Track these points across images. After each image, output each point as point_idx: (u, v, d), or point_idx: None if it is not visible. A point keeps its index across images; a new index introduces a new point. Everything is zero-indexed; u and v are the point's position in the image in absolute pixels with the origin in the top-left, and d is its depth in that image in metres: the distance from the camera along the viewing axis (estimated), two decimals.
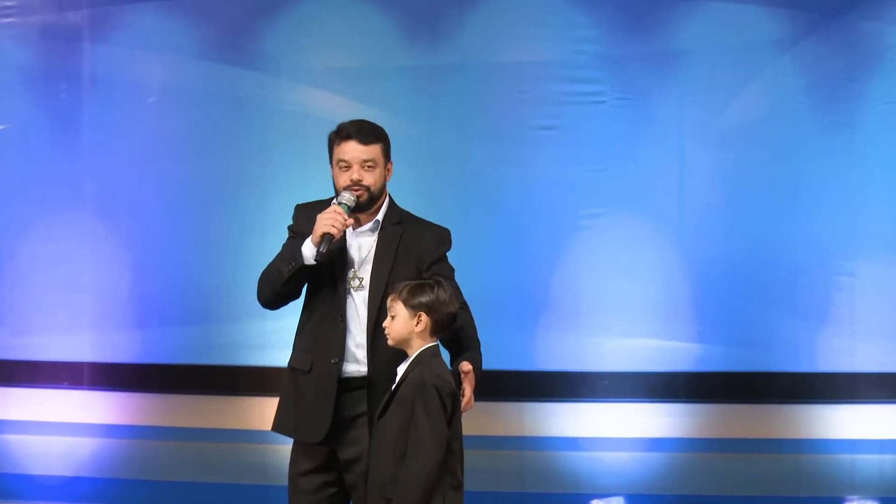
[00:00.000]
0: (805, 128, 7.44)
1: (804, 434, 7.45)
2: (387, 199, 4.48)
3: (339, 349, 4.32)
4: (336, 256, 4.36)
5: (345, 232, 4.37)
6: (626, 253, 7.53)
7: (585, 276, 7.55)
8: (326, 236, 4.23)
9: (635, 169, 7.52)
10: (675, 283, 7.51)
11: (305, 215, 4.46)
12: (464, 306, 4.38)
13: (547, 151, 7.58)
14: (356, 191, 4.33)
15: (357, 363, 4.35)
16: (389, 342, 4.17)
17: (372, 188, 4.34)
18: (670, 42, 7.49)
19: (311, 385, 4.34)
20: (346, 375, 4.34)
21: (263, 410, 7.18)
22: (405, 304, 4.11)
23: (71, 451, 7.79)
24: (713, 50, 7.47)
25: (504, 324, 7.42)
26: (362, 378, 4.33)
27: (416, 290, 4.13)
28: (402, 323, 4.12)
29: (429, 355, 4.10)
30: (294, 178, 7.43)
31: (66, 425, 7.90)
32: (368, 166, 4.32)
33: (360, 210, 4.37)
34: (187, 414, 7.82)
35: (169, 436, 7.80)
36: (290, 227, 4.56)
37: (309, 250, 4.28)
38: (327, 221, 4.23)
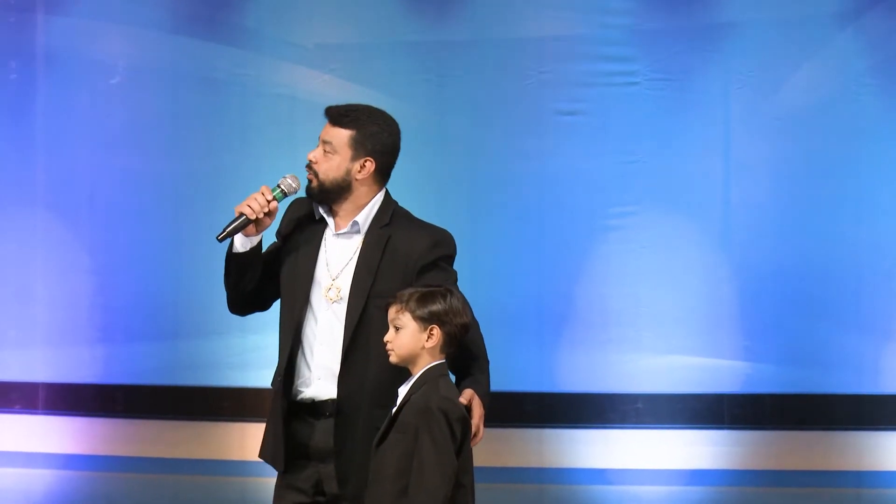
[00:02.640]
0: (871, 114, 7.35)
1: (867, 465, 7.31)
2: (377, 199, 4.22)
3: (305, 368, 4.10)
4: (306, 262, 4.15)
5: (322, 236, 4.17)
6: (662, 257, 7.43)
7: (615, 285, 7.44)
8: (240, 217, 4.06)
9: (673, 161, 7.43)
10: (720, 293, 7.41)
11: (292, 213, 4.26)
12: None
13: (571, 141, 7.48)
14: (308, 174, 4.14)
15: (333, 384, 4.10)
16: (393, 359, 3.91)
17: (321, 175, 4.11)
18: (714, 13, 7.42)
19: (275, 407, 4.12)
20: (323, 399, 4.09)
21: (244, 437, 7.31)
22: (413, 315, 3.84)
23: (23, 485, 7.57)
24: (764, 23, 7.39)
25: (522, 339, 7.36)
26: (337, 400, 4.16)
27: (425, 299, 3.85)
28: (411, 337, 3.84)
29: (435, 375, 3.82)
30: (280, 169, 7.28)
31: (17, 455, 7.73)
32: (327, 149, 4.11)
33: (315, 198, 4.16)
34: (157, 442, 7.69)
35: (136, 467, 7.65)
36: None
37: (238, 239, 4.12)
38: (246, 201, 4.09)
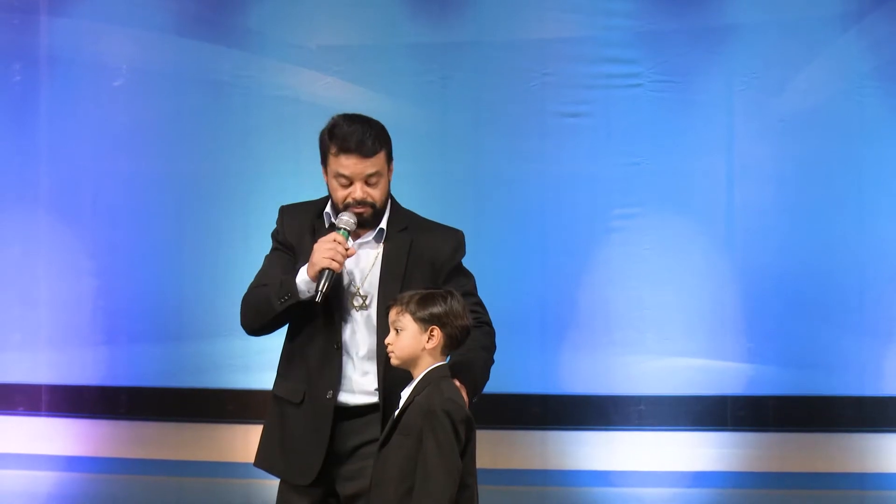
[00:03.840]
0: (874, 116, 7.31)
1: (870, 467, 7.29)
2: (389, 202, 4.25)
3: (335, 381, 4.08)
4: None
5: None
6: (665, 260, 7.41)
7: (618, 287, 7.43)
8: (327, 273, 3.98)
9: (677, 162, 7.41)
10: (723, 295, 7.38)
11: (290, 221, 4.23)
12: (486, 325, 4.19)
13: (574, 143, 7.47)
14: (357, 210, 4.08)
15: (362, 393, 4.11)
16: (394, 361, 3.91)
17: (377, 203, 4.10)
18: (717, 15, 7.40)
19: (302, 419, 4.13)
20: (347, 405, 4.11)
21: (248, 439, 7.30)
22: (413, 316, 3.85)
23: (27, 487, 7.52)
24: (767, 24, 7.36)
25: (525, 341, 7.33)
26: (365, 406, 4.10)
27: (425, 301, 3.86)
28: (411, 339, 3.85)
29: (437, 376, 3.83)
30: (283, 172, 7.38)
31: (21, 457, 7.76)
32: (373, 182, 4.08)
33: (363, 227, 4.13)
34: (160, 444, 7.69)
35: (139, 469, 7.65)
36: (273, 235, 4.32)
37: (305, 285, 4.03)
38: (327, 254, 3.98)
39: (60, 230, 7.75)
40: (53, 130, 7.74)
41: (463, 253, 4.20)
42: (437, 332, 3.82)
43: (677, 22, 7.36)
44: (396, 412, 3.84)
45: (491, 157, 7.45)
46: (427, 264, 4.12)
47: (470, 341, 3.99)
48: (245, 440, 7.40)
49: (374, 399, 4.07)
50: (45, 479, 7.59)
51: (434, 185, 7.21)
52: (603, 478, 7.34)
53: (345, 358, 4.07)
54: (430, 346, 3.83)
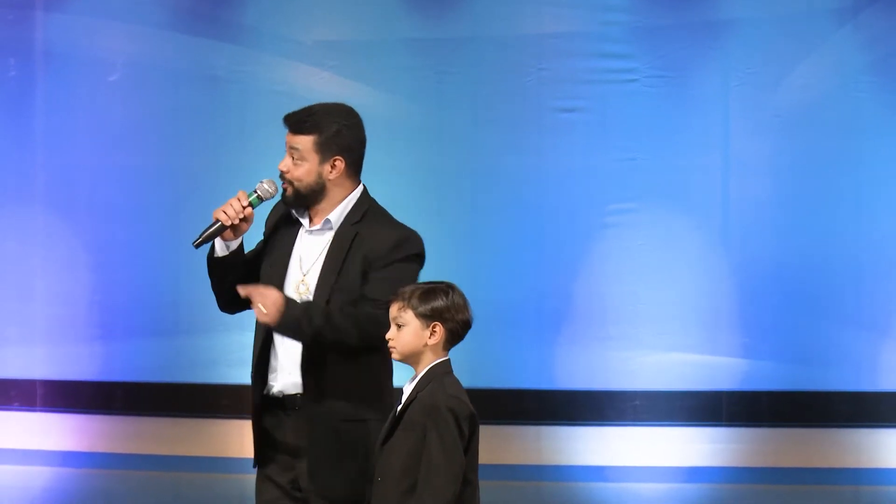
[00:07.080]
0: (870, 110, 7.30)
1: (866, 462, 7.30)
2: (352, 196, 4.21)
3: (267, 369, 4.22)
4: (279, 260, 4.19)
5: (297, 234, 4.18)
6: (661, 255, 7.41)
7: (614, 282, 7.42)
8: (217, 224, 4.11)
9: (672, 158, 7.40)
10: (719, 290, 7.38)
11: (272, 213, 4.30)
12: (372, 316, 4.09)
13: (570, 138, 7.46)
14: (284, 185, 4.15)
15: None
16: (395, 356, 3.92)
17: (296, 183, 4.12)
18: (713, 10, 7.41)
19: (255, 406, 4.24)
20: (290, 393, 4.15)
21: (243, 435, 7.10)
22: (415, 312, 3.83)
23: (22, 482, 7.55)
24: (763, 19, 7.37)
25: (520, 336, 7.34)
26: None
27: (427, 296, 3.85)
28: (413, 335, 3.84)
29: (441, 372, 3.84)
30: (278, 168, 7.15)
31: (16, 452, 7.72)
32: (295, 158, 4.12)
33: (291, 205, 4.18)
34: (156, 439, 7.68)
35: (135, 464, 7.66)
36: None
37: (219, 243, 4.17)
38: (223, 207, 4.12)
39: (56, 225, 7.74)
40: (49, 126, 7.73)
41: (406, 252, 4.15)
42: (439, 327, 3.82)
43: (673, 17, 7.37)
44: (399, 408, 3.84)
45: (487, 152, 7.44)
46: (361, 257, 4.11)
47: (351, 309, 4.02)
48: (240, 435, 7.19)
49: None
50: (40, 475, 7.58)
51: (430, 179, 7.16)
52: (598, 473, 7.35)
53: (287, 342, 4.10)
54: (432, 342, 3.82)
